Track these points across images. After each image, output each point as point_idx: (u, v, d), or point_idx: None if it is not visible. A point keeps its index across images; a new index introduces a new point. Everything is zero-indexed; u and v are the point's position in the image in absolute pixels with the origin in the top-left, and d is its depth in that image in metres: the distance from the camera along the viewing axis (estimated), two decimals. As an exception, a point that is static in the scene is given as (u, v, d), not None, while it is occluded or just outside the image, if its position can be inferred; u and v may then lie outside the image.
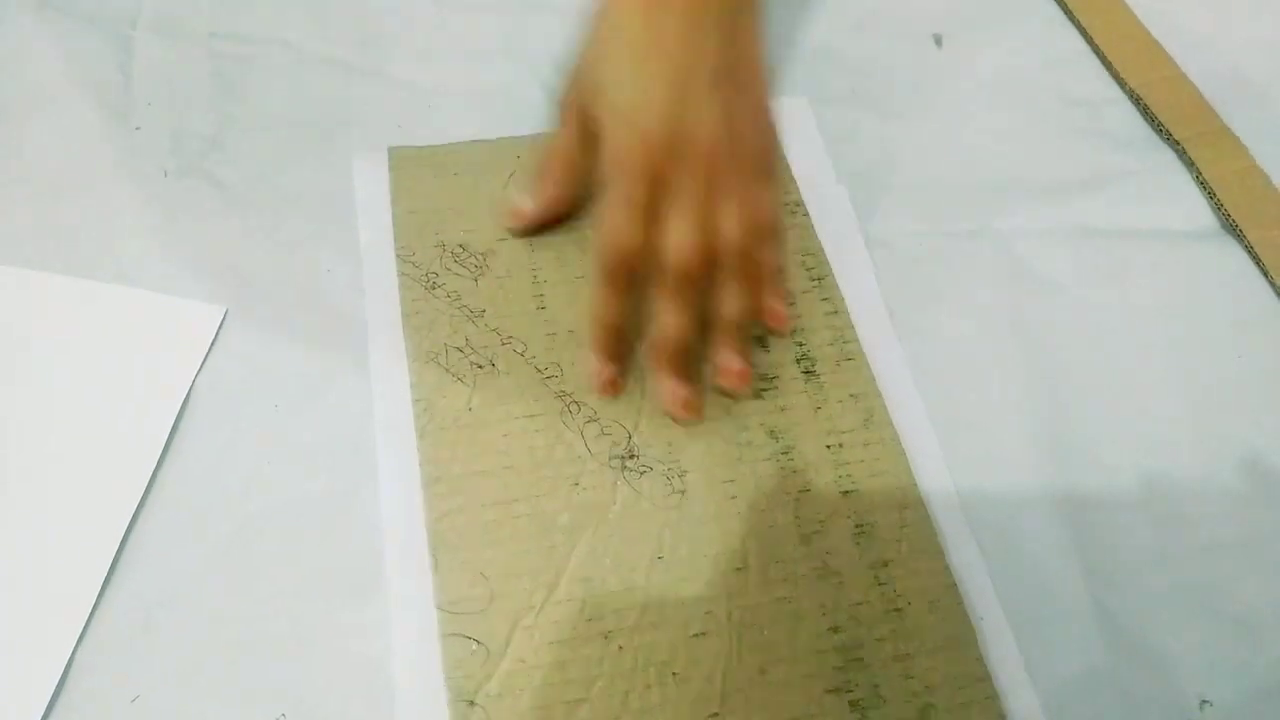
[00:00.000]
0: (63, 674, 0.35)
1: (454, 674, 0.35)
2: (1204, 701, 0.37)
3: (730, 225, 0.39)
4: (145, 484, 0.38)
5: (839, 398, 0.42)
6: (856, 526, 0.39)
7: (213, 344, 0.42)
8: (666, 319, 0.39)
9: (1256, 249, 0.46)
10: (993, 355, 0.44)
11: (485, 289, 0.43)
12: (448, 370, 0.41)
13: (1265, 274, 0.46)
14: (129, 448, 0.39)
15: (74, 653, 0.35)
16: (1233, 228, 0.47)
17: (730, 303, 0.40)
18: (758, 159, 0.40)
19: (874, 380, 0.42)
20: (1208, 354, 0.44)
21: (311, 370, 0.41)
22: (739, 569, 0.37)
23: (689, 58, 0.38)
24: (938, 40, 0.54)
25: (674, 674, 0.35)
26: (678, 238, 0.38)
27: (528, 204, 0.44)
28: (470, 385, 0.41)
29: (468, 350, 0.42)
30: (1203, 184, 0.49)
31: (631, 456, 0.40)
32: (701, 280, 0.38)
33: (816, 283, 0.45)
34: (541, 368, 0.41)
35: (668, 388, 0.39)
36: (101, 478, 0.38)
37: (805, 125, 0.51)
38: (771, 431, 0.41)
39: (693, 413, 0.39)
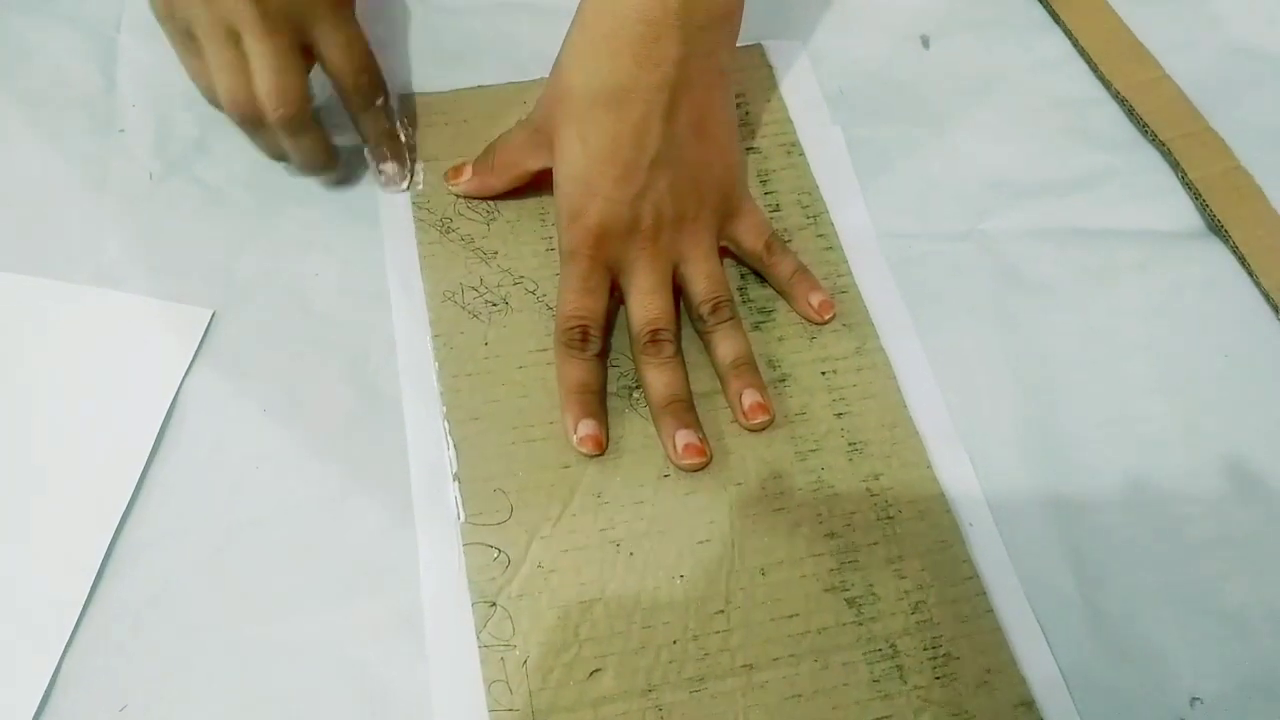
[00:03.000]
0: (50, 683, 0.34)
1: (477, 578, 0.38)
2: (1194, 699, 0.37)
3: (696, 282, 0.42)
4: (132, 489, 0.38)
5: (833, 327, 0.44)
6: (850, 445, 0.41)
7: (199, 347, 0.41)
8: (647, 379, 0.41)
9: (1242, 249, 0.47)
10: (980, 355, 0.44)
11: (497, 232, 0.46)
12: (464, 308, 0.43)
13: (1250, 274, 0.46)
14: (116, 452, 0.39)
15: (61, 661, 0.35)
16: (1218, 228, 0.47)
17: (721, 347, 0.42)
18: (726, 201, 0.44)
19: (866, 309, 0.45)
20: (1194, 353, 0.44)
21: (299, 372, 0.41)
22: (739, 484, 0.40)
23: (636, 153, 0.40)
24: (925, 42, 0.54)
25: (681, 576, 0.38)
26: (634, 308, 0.42)
27: (467, 175, 0.46)
28: (486, 322, 0.43)
29: (482, 289, 0.44)
30: (1189, 185, 0.49)
31: (638, 387, 0.42)
32: (669, 339, 0.41)
33: (812, 220, 0.47)
34: (552, 305, 0.43)
35: (667, 440, 0.40)
36: (88, 482, 0.38)
37: (800, 68, 0.52)
38: (770, 361, 0.43)
39: (697, 455, 0.40)
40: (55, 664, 0.35)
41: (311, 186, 0.46)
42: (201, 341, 0.42)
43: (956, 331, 0.44)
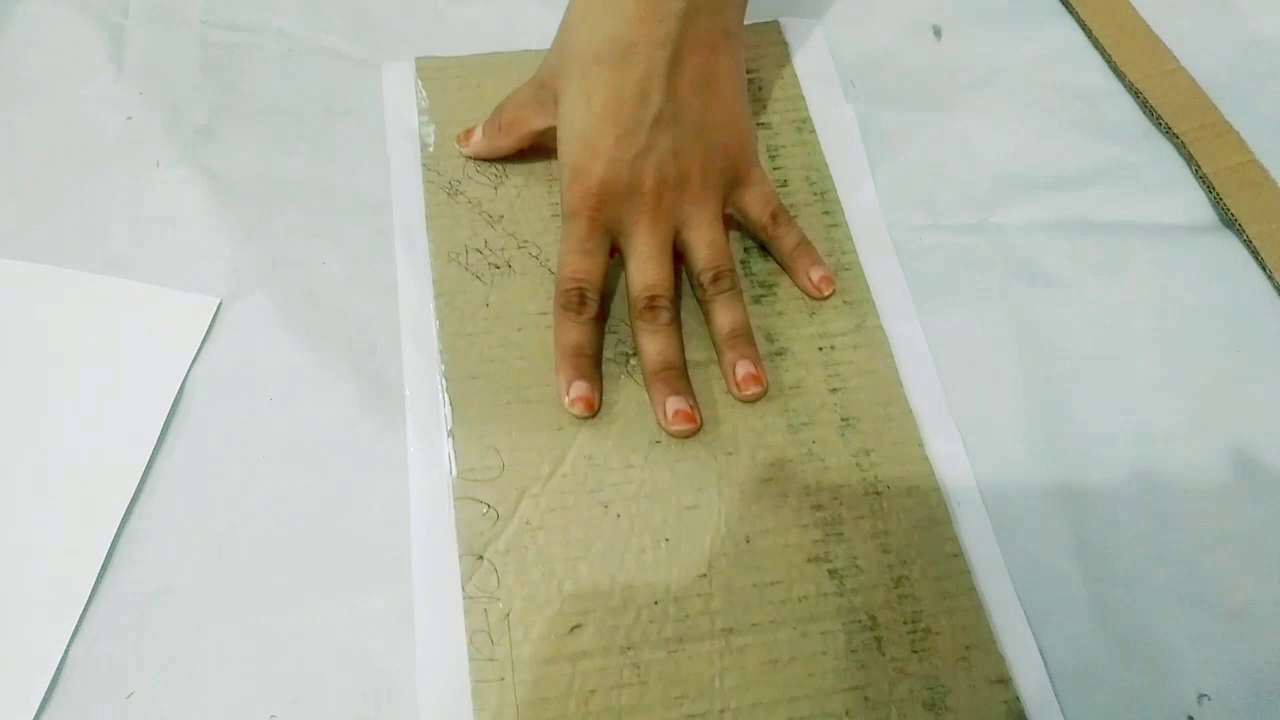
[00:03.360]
0: (56, 670, 0.35)
1: (465, 531, 0.38)
2: (1202, 695, 0.36)
3: (698, 250, 0.42)
4: (139, 478, 0.38)
5: (833, 303, 0.44)
6: (842, 419, 0.41)
7: (207, 336, 0.41)
8: (643, 344, 0.41)
9: (1255, 243, 0.46)
10: (990, 348, 0.43)
11: (504, 197, 0.46)
12: (467, 269, 0.44)
13: (1264, 268, 0.46)
14: (123, 441, 0.39)
15: (68, 649, 0.35)
16: (1232, 221, 0.47)
17: (720, 317, 0.42)
18: (734, 168, 0.43)
19: (868, 288, 0.45)
20: (1206, 348, 0.44)
21: (306, 363, 0.41)
22: (729, 453, 0.40)
23: (638, 110, 0.40)
24: (937, 32, 0.54)
25: (666, 540, 0.38)
26: (633, 272, 0.42)
27: (477, 137, 0.47)
28: (488, 284, 0.44)
29: (486, 252, 0.44)
30: (1202, 178, 0.48)
31: (635, 354, 0.42)
32: (666, 306, 0.41)
33: (819, 197, 0.47)
34: (554, 270, 0.43)
35: (658, 406, 0.40)
36: (95, 471, 0.38)
37: (815, 47, 0.52)
38: (768, 334, 0.43)
39: (686, 421, 0.40)
40: (62, 651, 0.35)
41: (318, 174, 0.46)
42: (208, 331, 0.42)
43: (966, 323, 0.44)
